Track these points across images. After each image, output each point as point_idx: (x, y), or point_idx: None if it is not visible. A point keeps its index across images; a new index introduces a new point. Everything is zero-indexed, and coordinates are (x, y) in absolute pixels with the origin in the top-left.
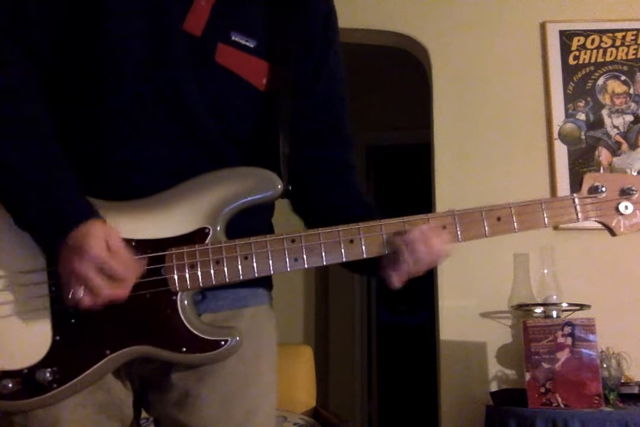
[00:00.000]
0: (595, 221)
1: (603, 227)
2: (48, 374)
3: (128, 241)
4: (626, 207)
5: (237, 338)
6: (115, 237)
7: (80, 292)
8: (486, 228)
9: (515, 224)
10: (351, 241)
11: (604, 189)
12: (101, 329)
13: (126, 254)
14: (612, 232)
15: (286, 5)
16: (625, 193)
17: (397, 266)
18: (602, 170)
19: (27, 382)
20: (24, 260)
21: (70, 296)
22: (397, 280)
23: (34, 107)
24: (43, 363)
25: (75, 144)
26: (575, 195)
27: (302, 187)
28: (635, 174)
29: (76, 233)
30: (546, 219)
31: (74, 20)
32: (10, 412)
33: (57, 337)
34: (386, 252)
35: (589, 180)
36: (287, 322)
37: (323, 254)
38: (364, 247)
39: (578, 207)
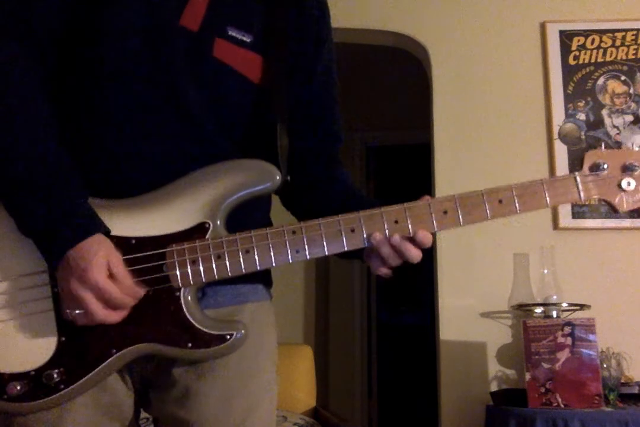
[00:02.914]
0: (598, 198)
1: (603, 227)
2: (55, 375)
3: (128, 239)
4: (629, 184)
5: (243, 332)
6: (117, 262)
7: (76, 312)
8: (488, 211)
9: (517, 205)
10: (352, 230)
11: (605, 166)
12: (106, 329)
13: (126, 280)
14: (615, 209)
15: (281, 2)
16: (628, 169)
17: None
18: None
19: (34, 384)
20: (26, 262)
21: (67, 312)
22: (384, 272)
23: (37, 108)
24: (50, 364)
25: (73, 141)
26: (576, 173)
27: (291, 180)
28: (636, 149)
29: (77, 252)
30: (548, 199)
31: (73, 17)
32: (17, 414)
33: (63, 338)
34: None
35: (590, 158)
36: (287, 322)
37: (324, 244)
38: (365, 236)
39: (580, 186)
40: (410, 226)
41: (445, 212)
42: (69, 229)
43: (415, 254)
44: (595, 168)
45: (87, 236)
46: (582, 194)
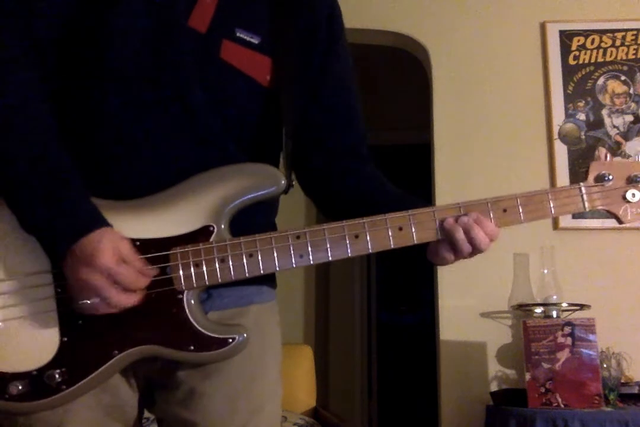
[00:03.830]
0: (602, 209)
1: (603, 227)
2: (57, 376)
3: (132, 241)
4: (633, 195)
5: (245, 335)
6: (125, 245)
7: (93, 301)
8: (492, 220)
9: (521, 214)
10: (356, 236)
11: (610, 177)
12: (108, 330)
13: (137, 261)
14: (620, 221)
15: (289, 2)
16: (632, 181)
17: (454, 251)
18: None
19: (35, 383)
20: (29, 262)
21: (81, 304)
22: (451, 261)
23: (38, 107)
24: (51, 364)
25: (77, 142)
26: (581, 184)
27: (325, 185)
28: None
29: (84, 242)
30: (553, 209)
31: (78, 16)
32: (18, 414)
33: (65, 339)
34: (392, 247)
35: (595, 169)
36: (287, 322)
37: (328, 249)
38: (369, 242)
39: (585, 196)
40: (414, 233)
41: None
42: (70, 226)
43: (484, 239)
44: (601, 179)
45: (90, 230)
46: (586, 205)
